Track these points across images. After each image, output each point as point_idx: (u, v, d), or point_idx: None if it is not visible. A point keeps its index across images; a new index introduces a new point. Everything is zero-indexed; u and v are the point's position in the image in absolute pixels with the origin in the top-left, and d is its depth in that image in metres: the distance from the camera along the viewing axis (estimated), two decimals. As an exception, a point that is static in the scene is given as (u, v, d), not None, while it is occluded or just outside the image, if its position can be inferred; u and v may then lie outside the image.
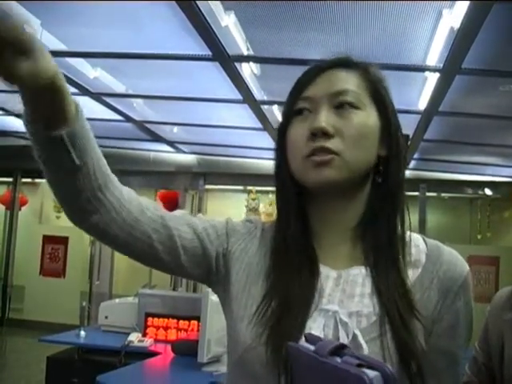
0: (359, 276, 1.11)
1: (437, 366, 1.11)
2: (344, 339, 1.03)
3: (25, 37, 0.86)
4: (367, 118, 1.12)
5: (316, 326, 1.05)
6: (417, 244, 1.17)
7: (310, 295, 1.09)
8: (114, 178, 1.10)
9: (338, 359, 0.90)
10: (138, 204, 1.14)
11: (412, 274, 1.12)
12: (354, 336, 1.03)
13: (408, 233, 1.18)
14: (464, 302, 1.13)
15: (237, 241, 1.21)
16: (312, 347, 0.94)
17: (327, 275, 1.12)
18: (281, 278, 1.12)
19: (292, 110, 1.15)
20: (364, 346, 1.02)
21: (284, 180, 1.17)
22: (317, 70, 1.16)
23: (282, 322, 1.06)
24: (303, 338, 1.00)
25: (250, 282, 1.15)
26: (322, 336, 1.03)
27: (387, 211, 1.15)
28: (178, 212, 1.22)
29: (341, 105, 1.11)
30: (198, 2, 3.56)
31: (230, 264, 1.19)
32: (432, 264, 1.14)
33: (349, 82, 1.13)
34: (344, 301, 1.09)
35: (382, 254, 1.11)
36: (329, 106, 1.11)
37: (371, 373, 0.84)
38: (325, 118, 1.09)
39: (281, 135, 1.18)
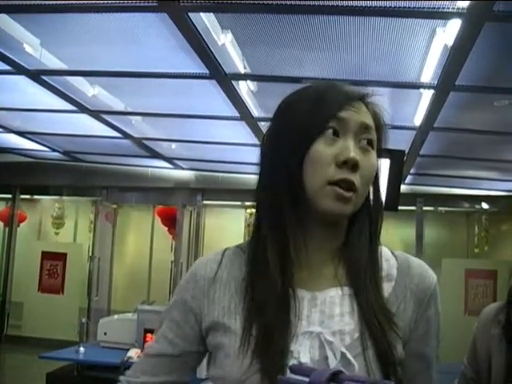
0: (336, 297, 1.13)
1: (413, 371, 1.17)
2: (332, 358, 1.06)
3: None
4: (375, 158, 1.15)
5: (303, 348, 1.07)
6: (387, 258, 1.21)
7: (287, 319, 1.09)
8: None
9: None
10: None
11: (386, 288, 1.16)
12: (342, 354, 1.06)
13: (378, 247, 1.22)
14: (434, 310, 1.19)
15: (200, 302, 1.20)
16: (304, 378, 0.95)
17: (302, 297, 1.13)
18: (256, 307, 1.11)
19: (319, 127, 1.11)
20: (354, 362, 1.05)
21: (287, 197, 1.13)
22: (349, 96, 1.15)
23: (265, 351, 1.06)
24: (288, 371, 1.01)
25: (227, 321, 1.14)
26: (309, 358, 1.06)
27: (369, 233, 1.18)
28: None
29: (364, 141, 1.12)
30: (194, 21, 3.62)
31: (206, 324, 1.19)
32: (403, 278, 1.18)
33: (371, 120, 1.15)
34: (325, 321, 1.11)
35: (363, 273, 1.14)
36: (355, 136, 1.12)
37: None
38: (355, 150, 1.10)
39: (301, 149, 1.11)
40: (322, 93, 1.16)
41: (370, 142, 1.14)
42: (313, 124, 1.12)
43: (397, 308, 1.15)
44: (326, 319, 1.11)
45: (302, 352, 1.07)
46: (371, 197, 1.19)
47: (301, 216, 1.15)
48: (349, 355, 1.06)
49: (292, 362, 1.05)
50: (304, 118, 1.13)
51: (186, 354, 1.22)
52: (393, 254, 1.23)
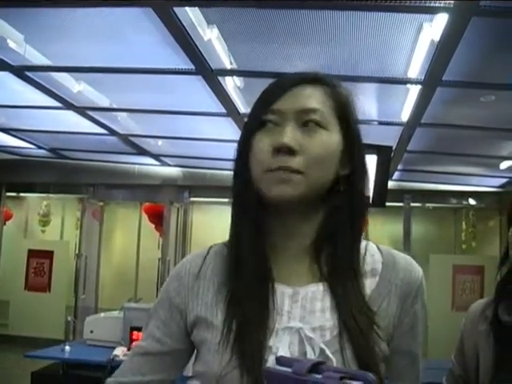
0: (317, 292, 1.13)
1: (400, 366, 1.18)
2: (310, 354, 1.05)
3: None
4: (331, 137, 1.13)
5: (282, 344, 1.07)
6: (372, 253, 1.20)
7: (267, 314, 1.09)
8: None
9: (319, 376, 0.92)
10: None
11: (370, 284, 1.16)
12: (321, 350, 1.06)
13: (363, 242, 1.21)
14: (421, 304, 1.19)
15: (185, 298, 1.21)
16: (288, 369, 0.96)
17: (282, 292, 1.13)
18: (236, 301, 1.13)
19: (258, 121, 1.15)
20: (332, 358, 1.04)
21: (244, 192, 1.16)
22: (286, 84, 1.16)
23: (244, 347, 1.06)
24: (275, 362, 1.01)
25: (210, 316, 1.15)
26: (288, 354, 1.05)
27: (348, 226, 1.16)
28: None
29: (307, 123, 1.12)
30: (179, 15, 3.59)
31: (191, 319, 1.19)
32: (388, 272, 1.17)
33: (316, 100, 1.14)
34: (306, 317, 1.10)
35: (341, 269, 1.14)
36: (295, 122, 1.12)
37: (355, 383, 0.87)
38: (290, 134, 1.09)
39: (244, 146, 1.16)
40: (266, 88, 1.20)
41: (317, 123, 1.13)
42: (252, 120, 1.17)
43: (380, 304, 1.14)
44: (306, 315, 1.11)
45: (281, 347, 1.06)
46: (354, 192, 1.17)
47: (271, 209, 1.16)
48: (328, 351, 1.05)
49: (271, 357, 1.05)
50: (250, 114, 1.19)
51: (174, 352, 1.22)
52: (378, 248, 1.23)
